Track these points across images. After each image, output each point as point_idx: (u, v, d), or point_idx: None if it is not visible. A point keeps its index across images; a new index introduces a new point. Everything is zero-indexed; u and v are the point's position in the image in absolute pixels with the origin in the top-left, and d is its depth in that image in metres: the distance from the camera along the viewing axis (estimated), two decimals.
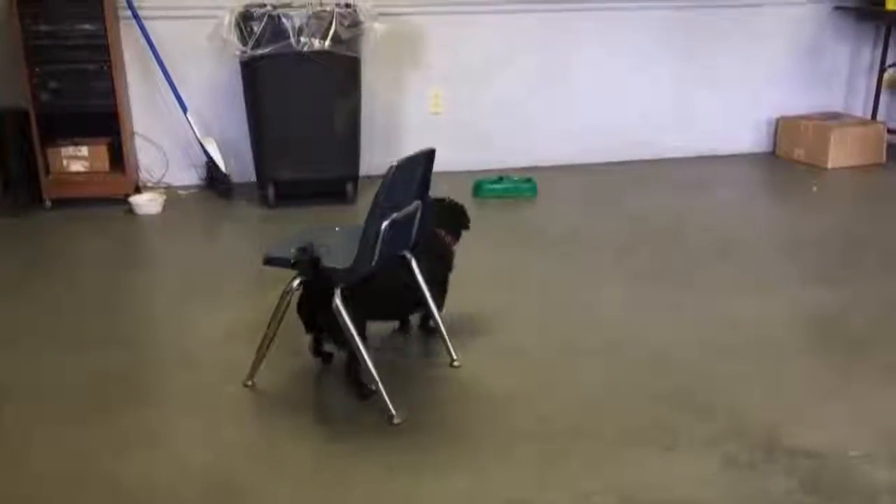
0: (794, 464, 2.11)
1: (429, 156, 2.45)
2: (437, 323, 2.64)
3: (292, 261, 2.27)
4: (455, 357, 2.63)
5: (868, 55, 5.17)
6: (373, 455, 2.19)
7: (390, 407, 2.31)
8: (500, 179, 4.41)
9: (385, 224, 2.25)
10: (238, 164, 4.38)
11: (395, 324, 2.82)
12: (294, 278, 2.34)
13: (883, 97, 5.13)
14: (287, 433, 2.30)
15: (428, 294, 2.58)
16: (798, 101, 5.17)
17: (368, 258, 2.27)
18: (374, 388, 2.36)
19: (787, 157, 5.05)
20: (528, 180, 4.43)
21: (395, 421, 2.30)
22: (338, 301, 2.27)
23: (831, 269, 3.44)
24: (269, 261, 2.37)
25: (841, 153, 4.81)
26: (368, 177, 4.23)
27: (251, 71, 3.99)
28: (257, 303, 2.91)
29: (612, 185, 4.61)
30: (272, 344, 2.46)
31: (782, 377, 2.56)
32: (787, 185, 4.71)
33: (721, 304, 3.06)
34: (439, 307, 2.68)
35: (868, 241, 3.72)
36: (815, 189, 4.48)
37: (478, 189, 4.36)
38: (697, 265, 3.44)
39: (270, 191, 4.15)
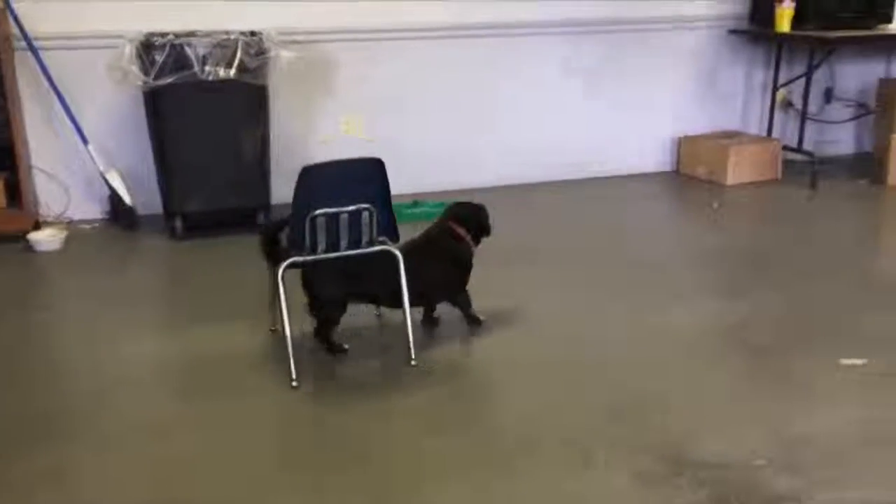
0: (702, 476, 2.17)
1: (374, 164, 2.69)
2: (404, 319, 2.78)
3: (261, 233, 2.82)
4: (413, 357, 2.77)
5: (761, 76, 5.41)
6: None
7: (293, 372, 2.62)
8: (415, 204, 4.42)
9: (312, 216, 2.61)
10: (144, 196, 4.26)
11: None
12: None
13: (777, 115, 5.38)
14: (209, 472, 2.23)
15: (404, 289, 2.76)
16: (699, 121, 5.37)
17: (300, 244, 2.65)
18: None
19: (691, 174, 5.23)
20: (443, 205, 4.44)
21: (294, 385, 2.60)
22: (279, 275, 2.63)
23: (736, 280, 3.57)
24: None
25: (739, 170, 5.01)
26: (281, 205, 4.17)
27: (155, 101, 3.90)
28: (170, 338, 2.83)
29: (525, 206, 4.68)
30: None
31: (692, 388, 2.63)
32: (691, 201, 4.87)
33: (634, 316, 3.14)
34: (464, 303, 2.98)
35: (768, 253, 3.87)
36: (716, 205, 4.64)
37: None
38: (610, 279, 3.53)
39: (178, 223, 4.06)
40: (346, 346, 2.83)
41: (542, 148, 5.04)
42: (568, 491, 2.13)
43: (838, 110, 5.58)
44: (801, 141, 5.11)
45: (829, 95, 5.52)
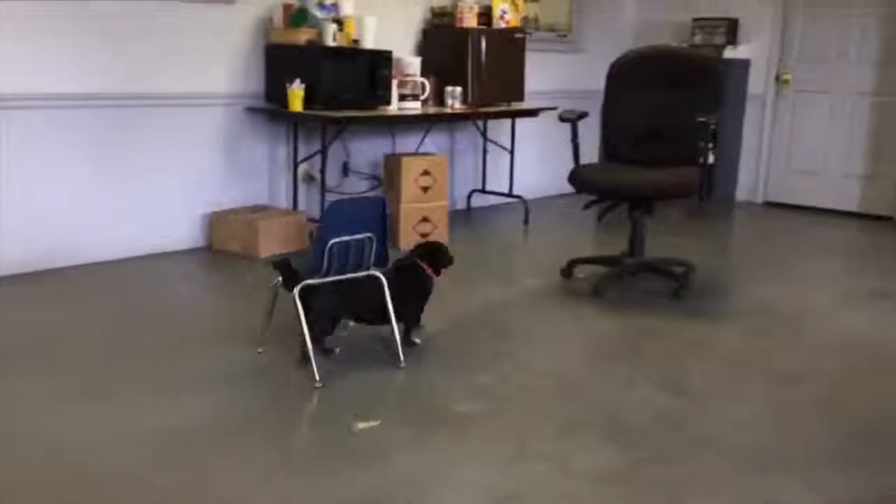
0: None
1: (378, 202, 3.38)
2: (392, 331, 3.40)
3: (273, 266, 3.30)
4: (402, 360, 3.38)
5: (284, 151, 5.64)
6: None
7: (315, 374, 3.15)
8: None
9: (330, 244, 3.14)
10: None
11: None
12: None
13: (301, 189, 5.65)
14: None
15: (391, 308, 3.36)
16: (229, 196, 5.39)
17: (318, 268, 3.19)
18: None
19: (223, 249, 5.20)
20: None
21: (318, 385, 3.14)
22: (295, 293, 3.16)
23: (269, 354, 3.56)
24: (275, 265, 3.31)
25: (270, 242, 5.12)
26: None
27: None
28: None
29: (33, 298, 4.19)
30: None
31: (217, 481, 2.51)
32: (223, 277, 4.82)
33: (149, 412, 2.93)
34: (414, 322, 3.60)
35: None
36: (249, 279, 4.66)
37: None
38: (130, 371, 3.28)
39: None
40: (337, 349, 3.45)
41: (48, 232, 4.58)
42: None
43: (355, 182, 6.06)
44: (322, 212, 5.41)
45: (346, 169, 5.96)
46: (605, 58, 5.37)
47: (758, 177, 7.69)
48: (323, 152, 5.31)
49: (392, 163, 5.61)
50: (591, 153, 5.05)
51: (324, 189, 5.40)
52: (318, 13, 5.26)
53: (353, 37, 5.43)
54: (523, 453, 2.75)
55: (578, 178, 4.63)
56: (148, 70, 4.91)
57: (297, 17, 5.24)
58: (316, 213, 5.50)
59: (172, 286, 4.57)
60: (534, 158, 7.23)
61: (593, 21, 7.82)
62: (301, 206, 5.64)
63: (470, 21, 6.07)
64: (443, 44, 6.16)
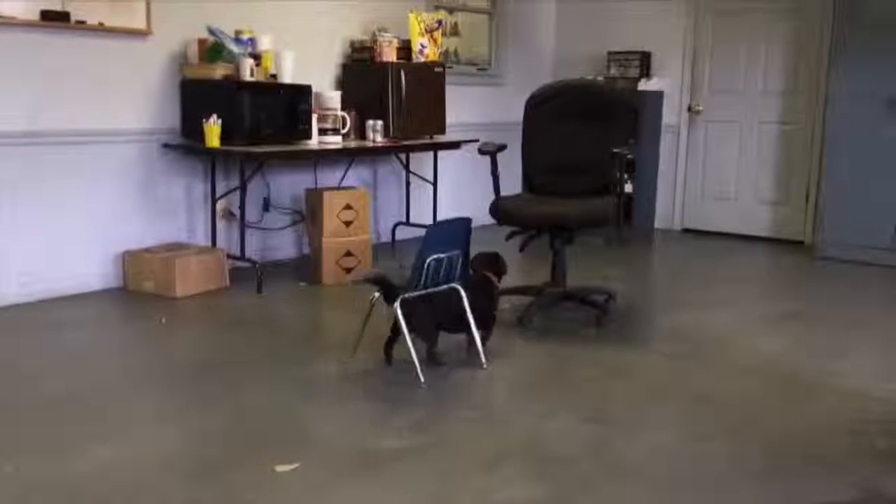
0: None
1: (466, 222, 3.70)
2: (472, 338, 3.81)
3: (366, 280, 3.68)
4: (485, 362, 3.78)
5: (202, 188, 5.52)
6: None
7: (420, 376, 3.54)
8: None
9: (428, 261, 3.53)
10: None
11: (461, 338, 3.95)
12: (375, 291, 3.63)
13: (220, 225, 5.53)
14: None
15: (471, 317, 3.75)
16: (144, 235, 5.24)
17: (416, 282, 3.57)
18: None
19: (138, 290, 5.04)
20: None
21: (423, 387, 3.50)
22: (396, 305, 3.52)
23: (170, 401, 3.44)
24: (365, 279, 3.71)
25: (187, 282, 4.98)
26: None
27: None
28: None
29: None
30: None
31: None
32: (136, 319, 4.64)
33: (62, 466, 2.79)
34: (488, 329, 3.96)
35: (211, 366, 3.84)
36: (163, 320, 4.52)
37: None
38: (29, 426, 3.11)
39: None
40: (445, 361, 3.80)
41: None
42: None
43: (277, 218, 5.97)
44: (243, 249, 5.32)
45: (266, 205, 5.87)
46: (524, 90, 5.45)
47: (675, 204, 7.90)
48: (242, 188, 5.22)
49: (313, 197, 5.55)
50: (514, 183, 5.10)
51: (243, 225, 5.30)
52: (235, 48, 5.20)
53: (271, 71, 5.39)
54: (448, 489, 2.71)
55: (499, 210, 4.66)
56: (60, 106, 4.77)
57: (213, 52, 5.18)
58: (236, 250, 5.39)
59: (74, 333, 4.39)
60: (457, 190, 7.27)
61: (513, 54, 7.96)
62: (220, 242, 5.52)
63: (389, 55, 6.10)
64: (362, 78, 6.16)
